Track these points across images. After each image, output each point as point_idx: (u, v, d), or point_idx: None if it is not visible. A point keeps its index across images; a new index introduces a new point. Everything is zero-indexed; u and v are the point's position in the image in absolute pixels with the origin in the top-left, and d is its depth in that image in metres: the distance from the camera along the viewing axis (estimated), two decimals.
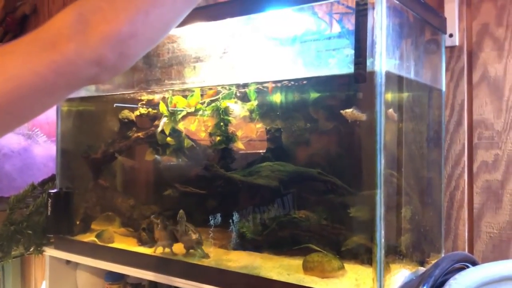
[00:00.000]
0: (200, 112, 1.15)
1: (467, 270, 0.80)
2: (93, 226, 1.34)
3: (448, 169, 1.10)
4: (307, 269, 0.91)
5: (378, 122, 0.77)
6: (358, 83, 0.76)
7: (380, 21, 0.77)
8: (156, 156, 1.23)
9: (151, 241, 1.15)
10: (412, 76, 0.96)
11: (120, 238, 1.26)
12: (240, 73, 1.10)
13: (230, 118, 1.11)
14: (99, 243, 1.23)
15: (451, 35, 1.08)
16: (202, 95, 1.16)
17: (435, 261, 0.86)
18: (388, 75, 0.80)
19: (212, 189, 1.11)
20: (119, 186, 1.38)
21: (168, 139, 1.18)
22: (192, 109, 1.14)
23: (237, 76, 1.11)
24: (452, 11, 1.08)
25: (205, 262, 1.02)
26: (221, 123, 1.11)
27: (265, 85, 1.10)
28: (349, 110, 0.89)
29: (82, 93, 1.42)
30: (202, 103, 1.15)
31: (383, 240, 0.78)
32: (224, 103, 1.11)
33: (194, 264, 1.02)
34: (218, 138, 1.11)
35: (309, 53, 1.01)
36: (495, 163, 1.05)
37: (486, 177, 1.06)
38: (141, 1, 0.51)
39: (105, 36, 0.48)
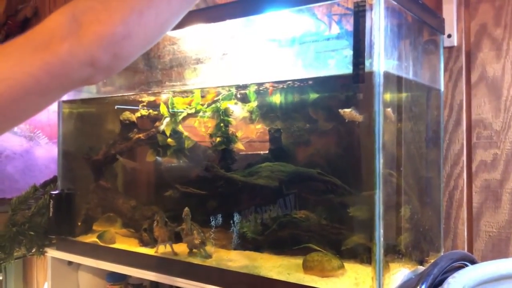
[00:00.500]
0: (201, 113, 1.16)
1: (466, 268, 0.81)
2: (94, 227, 1.34)
3: (447, 169, 1.10)
4: (307, 268, 0.91)
5: (377, 122, 0.78)
6: (357, 83, 0.76)
7: (378, 22, 0.78)
8: (157, 157, 1.24)
9: (152, 242, 1.16)
10: (410, 76, 0.97)
11: (121, 239, 1.27)
12: (240, 75, 1.10)
13: (230, 119, 1.12)
14: (100, 243, 1.24)
15: (449, 36, 1.09)
16: (202, 97, 1.17)
17: (434, 260, 0.86)
18: (387, 75, 0.80)
19: (213, 189, 1.12)
20: (120, 187, 1.39)
21: (169, 140, 1.19)
22: (193, 110, 1.15)
23: (237, 77, 1.12)
24: (450, 12, 1.09)
25: (206, 262, 1.02)
26: (221, 124, 1.11)
27: (265, 86, 1.11)
28: (347, 110, 0.90)
29: (83, 94, 1.42)
30: (202, 104, 1.16)
31: (382, 239, 0.78)
32: (224, 104, 1.12)
33: (195, 264, 1.03)
34: (218, 139, 1.12)
35: (308, 54, 1.02)
36: (493, 163, 1.05)
37: (485, 176, 1.07)
38: (135, 1, 0.50)
39: (98, 37, 0.48)
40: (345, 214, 0.95)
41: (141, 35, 0.51)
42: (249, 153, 1.15)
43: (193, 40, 1.15)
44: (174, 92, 1.19)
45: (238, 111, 1.13)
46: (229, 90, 1.13)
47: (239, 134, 1.13)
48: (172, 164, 1.25)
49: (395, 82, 0.89)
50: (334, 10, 1.01)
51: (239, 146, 1.13)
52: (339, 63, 0.98)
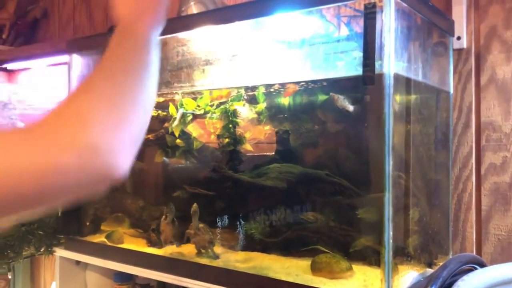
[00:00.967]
0: (209, 114, 1.16)
1: (475, 271, 0.81)
2: (102, 227, 1.35)
3: (456, 171, 1.10)
4: (315, 270, 0.91)
5: (387, 124, 0.78)
6: (366, 85, 0.76)
7: (388, 24, 0.78)
8: (166, 157, 1.25)
9: (160, 242, 1.16)
10: (420, 78, 0.97)
11: (129, 239, 1.27)
12: (249, 76, 1.11)
13: (238, 120, 1.12)
14: (108, 243, 1.24)
15: (459, 38, 1.09)
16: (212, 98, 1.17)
17: (443, 262, 0.86)
18: (397, 77, 0.80)
19: (221, 190, 1.12)
20: (128, 187, 1.40)
21: (178, 141, 1.20)
22: (202, 111, 1.15)
23: (246, 78, 1.12)
24: (460, 14, 1.08)
25: (214, 263, 1.03)
26: (230, 125, 1.12)
27: (275, 87, 1.11)
28: (340, 97, 0.90)
29: None
30: (211, 105, 1.16)
31: (391, 241, 0.78)
32: (233, 105, 1.12)
33: (203, 265, 1.03)
34: (227, 139, 1.12)
35: (317, 55, 1.02)
36: (503, 165, 1.05)
37: (494, 179, 1.06)
38: (122, 110, 0.48)
39: (111, 152, 0.45)
40: (353, 216, 0.95)
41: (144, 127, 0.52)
42: (257, 154, 1.16)
43: (202, 41, 1.15)
44: (183, 93, 1.20)
45: (247, 112, 1.13)
46: (238, 92, 1.13)
47: (247, 135, 1.13)
48: (181, 164, 1.25)
49: (404, 84, 0.89)
50: (343, 12, 1.01)
51: (247, 147, 1.13)
52: (348, 65, 0.98)
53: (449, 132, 1.08)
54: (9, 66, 2.08)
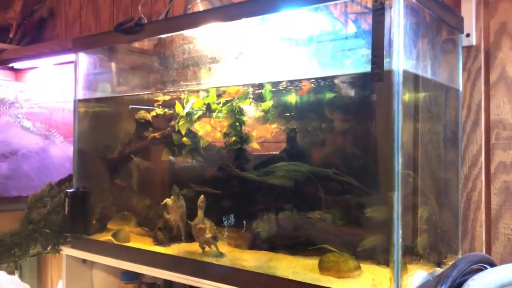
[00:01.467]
0: (215, 113, 1.16)
1: (486, 271, 0.79)
2: (109, 226, 1.35)
3: (465, 170, 1.09)
4: (323, 269, 0.90)
5: (396, 122, 0.77)
6: (375, 82, 0.75)
7: (397, 20, 0.77)
8: (172, 156, 1.24)
9: (167, 241, 1.16)
10: (429, 75, 0.95)
11: (136, 238, 1.27)
12: (255, 74, 1.10)
13: (245, 118, 1.12)
14: (115, 242, 1.24)
15: (468, 35, 1.07)
16: (219, 95, 1.17)
17: (453, 262, 0.85)
18: (406, 74, 0.79)
19: (228, 189, 1.12)
20: (135, 186, 1.39)
21: (184, 139, 1.19)
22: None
23: (252, 76, 1.11)
24: (469, 10, 1.07)
25: (220, 261, 1.02)
26: (237, 123, 1.11)
27: (282, 85, 1.10)
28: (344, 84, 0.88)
29: (99, 94, 1.43)
30: (218, 103, 1.15)
31: (400, 240, 0.77)
32: (239, 103, 1.12)
33: (209, 263, 1.03)
34: (234, 138, 1.11)
35: (325, 53, 1.01)
36: None
37: (504, 178, 1.05)
38: None
39: None
40: (361, 215, 0.94)
41: None
42: (264, 153, 1.15)
43: (208, 39, 1.15)
44: (189, 91, 1.19)
45: (253, 110, 1.12)
46: (245, 89, 1.13)
47: (254, 133, 1.13)
48: (187, 163, 1.25)
49: (413, 81, 0.88)
50: (350, 9, 1.00)
51: (254, 145, 1.12)
52: (355, 63, 0.97)
53: (458, 130, 1.06)
54: (16, 65, 2.09)
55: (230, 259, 1.03)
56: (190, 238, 1.13)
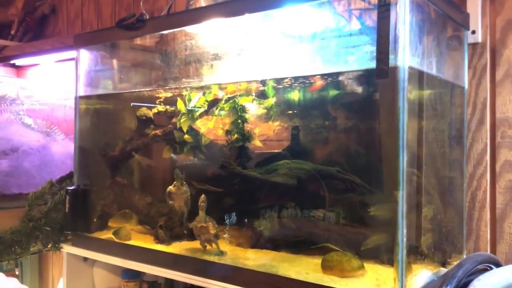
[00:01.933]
0: (217, 110, 1.14)
1: (492, 271, 0.78)
2: (110, 224, 1.34)
3: (470, 169, 1.07)
4: (326, 268, 0.89)
5: (401, 119, 0.75)
6: (380, 78, 0.74)
7: (403, 16, 0.76)
8: (173, 154, 1.23)
9: (168, 239, 1.15)
10: (434, 72, 0.94)
11: (137, 236, 1.26)
12: (258, 70, 1.09)
13: (248, 115, 1.10)
14: (116, 240, 1.23)
15: (473, 32, 1.06)
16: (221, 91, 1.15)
17: (458, 261, 0.84)
18: (411, 70, 0.78)
19: (229, 187, 1.11)
20: (136, 183, 1.39)
21: (186, 136, 1.18)
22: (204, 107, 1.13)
23: (255, 73, 1.10)
24: (475, 7, 1.06)
25: (222, 260, 1.01)
26: (239, 121, 1.10)
27: (285, 82, 1.09)
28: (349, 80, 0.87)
29: (100, 90, 1.42)
30: (220, 100, 1.14)
31: (405, 239, 0.76)
32: (242, 100, 1.11)
33: (211, 262, 1.02)
34: (236, 135, 1.10)
35: (329, 49, 1.00)
36: None
37: (510, 177, 1.03)
38: None
39: None
40: (365, 214, 0.93)
41: None
42: (267, 150, 1.14)
43: (210, 35, 1.14)
44: (191, 88, 1.18)
45: (256, 107, 1.11)
46: (248, 86, 1.12)
47: (256, 131, 1.11)
48: (189, 161, 1.24)
49: (419, 78, 0.86)
50: (354, 6, 0.99)
51: (257, 143, 1.11)
52: (359, 60, 0.96)
53: (463, 128, 1.05)
54: (17, 61, 2.08)
55: (232, 258, 1.02)
56: (191, 237, 1.12)
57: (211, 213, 1.07)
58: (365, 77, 0.97)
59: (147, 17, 1.14)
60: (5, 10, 2.16)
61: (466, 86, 1.06)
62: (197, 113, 1.16)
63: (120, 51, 1.40)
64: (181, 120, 1.18)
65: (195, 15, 1.07)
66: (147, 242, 1.19)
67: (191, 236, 1.12)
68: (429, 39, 0.93)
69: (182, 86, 1.20)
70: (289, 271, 0.91)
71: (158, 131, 1.25)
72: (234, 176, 1.10)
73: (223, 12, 1.00)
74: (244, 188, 1.09)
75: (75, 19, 2.08)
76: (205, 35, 1.15)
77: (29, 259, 1.51)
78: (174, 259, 1.09)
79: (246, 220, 1.04)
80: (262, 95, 1.11)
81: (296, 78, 1.06)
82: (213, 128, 1.14)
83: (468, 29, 1.05)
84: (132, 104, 1.36)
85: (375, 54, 0.76)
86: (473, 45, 1.07)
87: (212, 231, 1.04)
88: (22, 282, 2.00)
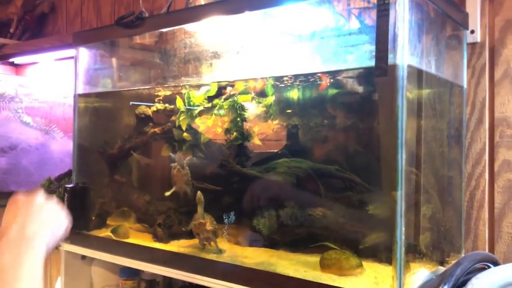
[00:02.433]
0: (217, 108, 1.14)
1: (490, 269, 0.78)
2: (108, 222, 1.34)
3: (468, 168, 1.07)
4: (324, 266, 0.89)
5: (400, 118, 0.75)
6: (379, 76, 0.74)
7: (402, 14, 0.76)
8: (172, 152, 1.23)
9: (166, 237, 1.15)
10: (433, 71, 0.94)
11: (135, 234, 1.26)
12: (257, 68, 1.09)
13: (247, 113, 1.10)
14: (114, 238, 1.23)
15: (472, 32, 1.06)
16: (222, 89, 1.15)
17: (456, 260, 0.84)
18: (410, 69, 0.78)
19: (228, 185, 1.11)
20: (135, 181, 1.38)
21: (185, 134, 1.18)
22: (209, 105, 1.13)
23: (254, 71, 1.10)
24: (474, 7, 1.06)
25: (221, 258, 1.01)
26: (238, 119, 1.10)
27: (284, 80, 1.09)
28: (349, 80, 0.87)
29: (99, 88, 1.42)
30: (219, 98, 1.14)
31: (403, 238, 0.76)
32: (241, 99, 1.10)
33: (210, 260, 1.02)
34: (235, 134, 1.10)
35: (327, 48, 1.00)
36: None
37: (508, 176, 1.04)
38: None
39: None
40: (363, 212, 0.93)
41: None
42: (266, 149, 1.14)
43: (210, 33, 1.14)
44: (190, 86, 1.18)
45: (255, 106, 1.11)
46: (246, 84, 1.11)
47: (255, 129, 1.11)
48: (188, 159, 1.24)
49: (418, 76, 0.86)
50: (353, 5, 0.99)
51: (256, 141, 1.11)
52: (358, 58, 0.96)
53: (462, 128, 1.05)
54: (17, 60, 2.08)
55: (230, 256, 1.02)
56: (190, 235, 1.12)
57: (210, 211, 1.07)
58: (364, 75, 0.97)
59: (147, 15, 1.14)
60: (4, 8, 2.16)
61: (465, 85, 1.06)
62: (196, 111, 1.16)
63: (119, 49, 1.40)
64: (180, 118, 1.17)
65: (194, 13, 1.07)
66: (146, 240, 1.19)
67: (190, 234, 1.12)
68: (428, 38, 0.93)
69: (181, 84, 1.20)
70: (288, 269, 0.91)
71: (157, 129, 1.24)
72: (233, 175, 1.10)
73: (223, 10, 1.00)
74: (243, 186, 1.09)
75: (75, 17, 2.08)
76: (205, 33, 1.14)
77: None
78: (172, 257, 1.08)
79: (245, 219, 1.04)
80: (261, 93, 1.11)
81: (295, 77, 1.06)
82: (212, 126, 1.14)
83: (467, 28, 1.05)
84: (131, 103, 1.36)
85: (374, 53, 0.76)
86: (472, 45, 1.07)
87: (210, 228, 1.03)
88: None
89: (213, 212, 1.07)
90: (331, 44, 0.98)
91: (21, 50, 1.95)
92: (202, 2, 1.11)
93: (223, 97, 1.13)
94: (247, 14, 0.98)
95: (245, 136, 1.11)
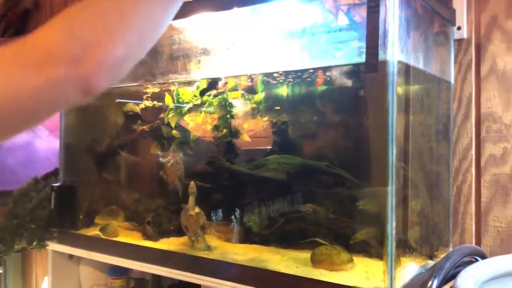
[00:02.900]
0: (206, 105, 1.14)
1: (478, 262, 0.79)
2: (96, 220, 1.33)
3: (455, 163, 1.09)
4: (315, 262, 0.90)
5: (390, 114, 0.76)
6: (369, 72, 0.75)
7: (393, 9, 0.76)
8: (161, 150, 1.22)
9: (156, 235, 1.14)
10: (422, 67, 0.95)
11: (124, 232, 1.25)
12: (246, 65, 1.08)
13: (236, 110, 1.10)
14: (103, 237, 1.22)
15: (459, 28, 1.07)
16: (211, 86, 1.15)
17: (445, 254, 0.85)
18: (400, 65, 0.79)
19: (218, 182, 1.10)
20: (123, 179, 1.37)
21: (174, 132, 1.17)
22: (198, 102, 1.13)
23: (244, 67, 1.10)
24: (460, 3, 1.07)
25: (211, 255, 1.01)
26: (227, 116, 1.09)
27: (275, 77, 1.09)
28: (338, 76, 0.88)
29: None
30: (209, 95, 1.14)
31: (394, 233, 0.77)
32: (231, 95, 1.10)
33: (199, 257, 1.01)
34: (225, 130, 1.10)
35: (316, 45, 1.00)
36: (503, 157, 1.04)
37: (494, 170, 1.05)
38: (135, 16, 0.45)
39: (99, 62, 0.43)
40: (353, 208, 0.93)
41: (139, 54, 0.48)
42: (255, 145, 1.14)
43: (198, 29, 1.13)
44: (179, 83, 1.17)
45: (245, 102, 1.11)
46: (236, 81, 1.11)
47: (245, 126, 1.11)
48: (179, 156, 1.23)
49: (407, 72, 0.87)
50: (342, 1, 0.99)
51: (245, 138, 1.11)
52: (347, 55, 0.96)
53: (449, 123, 1.06)
54: None
55: (220, 253, 1.02)
56: (179, 232, 1.11)
57: (200, 208, 1.06)
58: (353, 72, 0.97)
59: None
60: None
61: (453, 81, 1.07)
62: (186, 108, 1.15)
63: None
64: (169, 116, 1.17)
65: (183, 10, 1.05)
66: (135, 239, 1.18)
67: (179, 232, 1.11)
68: (416, 34, 0.94)
69: (170, 81, 1.19)
70: (279, 265, 0.91)
71: (145, 127, 1.23)
72: (222, 172, 1.10)
73: (211, 7, 0.99)
74: (232, 183, 1.09)
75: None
76: (194, 29, 1.14)
77: (12, 257, 1.48)
78: (162, 255, 1.08)
79: (234, 216, 1.04)
80: (251, 90, 1.11)
81: (286, 73, 1.06)
82: (201, 123, 1.14)
83: (454, 24, 1.06)
84: (117, 100, 1.35)
85: (363, 49, 0.76)
86: (459, 41, 1.09)
87: (201, 221, 1.03)
88: (5, 281, 1.96)
89: (203, 210, 1.07)
90: (321, 41, 0.98)
91: None
92: None
93: (212, 93, 1.12)
94: (236, 11, 0.97)
95: (234, 133, 1.11)
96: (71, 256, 1.36)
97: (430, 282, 0.73)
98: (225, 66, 1.10)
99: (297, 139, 1.08)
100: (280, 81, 1.08)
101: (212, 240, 1.06)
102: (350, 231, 0.94)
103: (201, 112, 1.14)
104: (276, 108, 1.11)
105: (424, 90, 0.98)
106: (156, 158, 1.24)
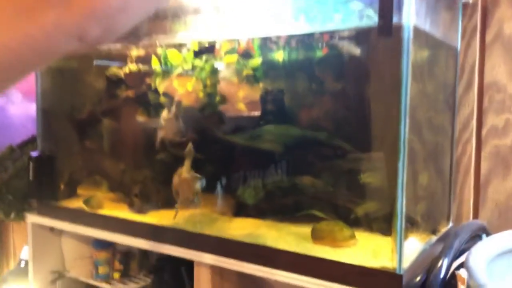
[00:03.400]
0: (197, 70, 1.06)
1: (487, 239, 0.77)
2: (79, 191, 1.26)
3: (456, 134, 1.05)
4: (316, 238, 0.85)
5: (404, 81, 0.70)
6: (382, 37, 0.68)
7: None
8: (148, 116, 1.15)
9: (143, 208, 1.09)
10: (433, 33, 0.89)
11: (109, 204, 1.19)
12: (241, 28, 1.01)
13: (231, 76, 1.03)
14: (87, 209, 1.15)
15: None
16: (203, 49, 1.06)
17: (448, 230, 0.82)
18: (416, 30, 0.73)
19: (210, 153, 1.04)
20: (107, 148, 1.29)
21: (162, 98, 1.09)
22: (189, 66, 1.05)
23: (236, 31, 1.02)
24: None
25: (206, 230, 0.96)
26: (221, 82, 1.02)
27: (271, 40, 1.02)
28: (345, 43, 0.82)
29: None
30: (201, 59, 1.05)
31: (404, 210, 0.73)
32: (225, 59, 1.02)
33: (191, 232, 0.96)
34: (218, 98, 1.03)
35: (321, 6, 0.93)
36: (505, 128, 1.01)
37: (495, 142, 1.02)
38: None
39: (91, 8, 0.40)
40: (355, 181, 0.89)
41: (140, 8, 0.43)
42: (250, 114, 1.07)
43: None
44: (167, 45, 1.09)
45: (240, 68, 1.03)
46: (231, 45, 1.03)
47: (240, 94, 1.04)
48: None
49: (421, 39, 0.81)
50: None
51: (240, 106, 1.04)
52: (348, 18, 0.89)
53: (455, 92, 1.02)
54: None
55: (216, 228, 0.97)
56: (169, 204, 1.06)
57: None
58: (365, 36, 0.91)
59: None
60: None
61: (459, 48, 1.02)
62: (175, 73, 1.07)
63: None
64: (157, 81, 1.09)
65: None
66: (121, 211, 1.12)
67: (169, 203, 1.06)
68: None
69: (157, 43, 1.10)
70: (277, 241, 0.87)
71: (130, 93, 1.15)
72: (215, 142, 1.03)
73: None
74: (226, 154, 1.03)
75: None
76: None
77: None
78: (150, 229, 1.03)
79: (229, 188, 0.99)
80: (246, 55, 1.03)
81: (289, 37, 0.99)
82: (192, 90, 1.06)
83: None
84: (98, 62, 1.25)
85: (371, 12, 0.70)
86: (464, 5, 1.03)
87: (194, 186, 0.97)
88: None
89: None
90: (324, 2, 0.91)
91: None
92: None
93: (204, 58, 1.04)
94: None
95: (227, 101, 1.04)
96: (52, 229, 1.30)
97: (440, 261, 0.70)
98: (219, 28, 1.02)
99: (294, 109, 1.02)
100: (282, 45, 1.00)
101: (206, 214, 1.01)
102: (351, 205, 0.90)
103: (192, 78, 1.06)
104: (272, 74, 1.04)
105: (433, 57, 0.92)
106: (141, 126, 1.16)
